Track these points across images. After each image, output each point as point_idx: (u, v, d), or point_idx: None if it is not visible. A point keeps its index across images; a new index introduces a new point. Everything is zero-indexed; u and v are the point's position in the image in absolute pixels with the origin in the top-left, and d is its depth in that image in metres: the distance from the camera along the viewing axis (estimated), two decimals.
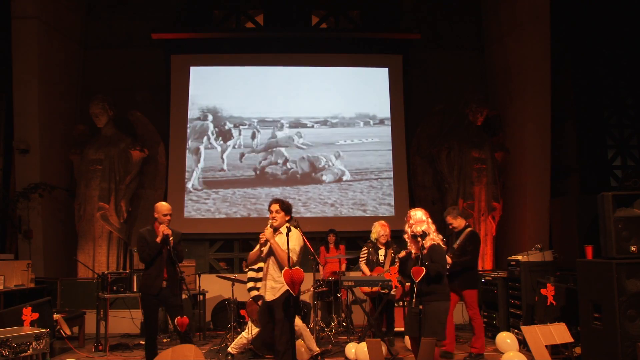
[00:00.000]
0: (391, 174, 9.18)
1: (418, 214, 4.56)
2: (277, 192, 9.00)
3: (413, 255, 4.51)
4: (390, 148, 9.23)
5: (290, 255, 4.43)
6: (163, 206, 5.24)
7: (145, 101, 9.35)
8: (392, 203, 9.08)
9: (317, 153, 9.17)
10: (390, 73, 9.45)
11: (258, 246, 4.60)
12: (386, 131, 9.30)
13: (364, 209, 9.06)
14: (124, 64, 9.44)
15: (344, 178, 9.12)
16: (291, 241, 4.46)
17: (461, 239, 5.82)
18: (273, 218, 4.59)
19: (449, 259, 5.63)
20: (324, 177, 9.10)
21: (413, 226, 4.50)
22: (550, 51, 8.50)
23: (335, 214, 8.97)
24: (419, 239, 4.42)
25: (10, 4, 8.11)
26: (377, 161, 9.21)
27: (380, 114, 9.36)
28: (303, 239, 4.78)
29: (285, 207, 4.64)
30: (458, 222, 5.93)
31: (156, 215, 5.22)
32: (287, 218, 4.65)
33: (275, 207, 4.60)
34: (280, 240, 4.54)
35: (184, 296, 5.57)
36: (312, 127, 9.26)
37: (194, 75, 9.33)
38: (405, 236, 4.58)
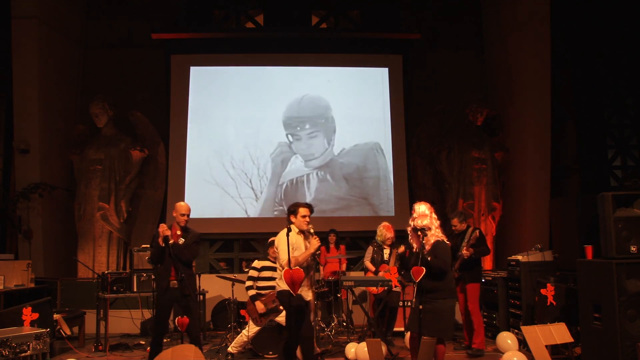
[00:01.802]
0: (391, 174, 9.17)
1: (422, 208, 4.54)
2: (280, 192, 9.00)
3: (414, 249, 4.48)
4: (390, 148, 9.23)
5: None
6: (182, 206, 5.26)
7: (145, 101, 9.35)
8: (393, 203, 9.07)
9: (318, 153, 9.16)
10: (390, 73, 9.44)
11: (309, 252, 4.60)
12: (386, 131, 9.29)
13: (365, 209, 9.05)
14: (124, 64, 9.44)
15: (347, 177, 9.11)
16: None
17: (468, 236, 5.97)
18: (309, 223, 4.69)
19: (466, 252, 5.83)
20: (327, 176, 9.09)
21: (416, 219, 4.49)
22: (550, 51, 8.50)
23: (336, 214, 8.97)
24: (419, 233, 4.40)
25: (10, 4, 8.11)
26: (379, 161, 9.20)
27: (380, 114, 9.35)
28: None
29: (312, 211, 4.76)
30: (461, 226, 6.17)
31: (174, 214, 5.27)
32: None
33: (308, 212, 4.70)
34: (315, 243, 4.67)
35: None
36: (311, 126, 9.25)
37: (194, 75, 9.33)
38: (408, 229, 4.57)
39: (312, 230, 4.64)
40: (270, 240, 6.17)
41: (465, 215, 6.40)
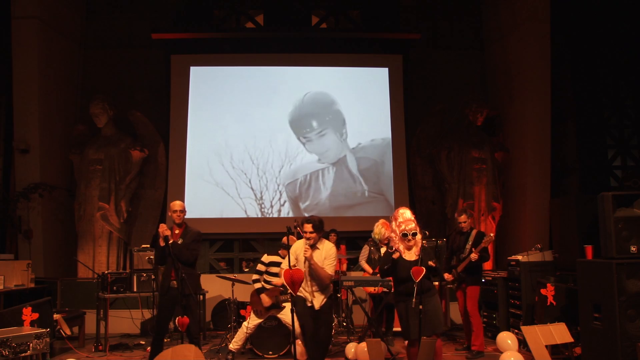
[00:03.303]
0: (391, 174, 9.17)
1: (407, 213, 4.58)
2: (278, 191, 9.01)
3: (402, 253, 4.50)
4: (391, 148, 9.23)
5: (329, 267, 4.65)
6: (174, 203, 5.30)
7: (145, 101, 9.35)
8: (392, 203, 9.07)
9: (317, 153, 9.17)
10: (390, 73, 9.44)
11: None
12: (386, 131, 9.29)
13: (364, 209, 9.05)
14: (124, 64, 9.44)
15: (345, 177, 9.11)
16: (328, 255, 4.65)
17: (473, 238, 5.96)
18: (308, 238, 4.62)
19: (475, 255, 5.78)
20: (325, 176, 9.09)
21: (402, 224, 4.50)
22: (550, 51, 8.51)
23: (335, 214, 8.96)
24: (410, 237, 4.43)
25: (10, 4, 8.11)
26: (377, 161, 9.20)
27: (380, 114, 9.34)
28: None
29: (318, 226, 4.64)
30: (468, 224, 6.12)
31: (169, 213, 5.32)
32: (321, 234, 4.70)
33: (309, 227, 4.60)
34: (317, 257, 4.63)
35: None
36: (311, 127, 9.25)
37: (194, 75, 9.33)
38: (393, 234, 4.57)
39: (305, 252, 4.56)
40: (283, 240, 6.14)
41: (471, 212, 6.41)
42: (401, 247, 4.50)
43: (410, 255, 4.49)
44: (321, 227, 4.68)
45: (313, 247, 4.66)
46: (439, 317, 4.46)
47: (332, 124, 9.25)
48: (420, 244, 4.51)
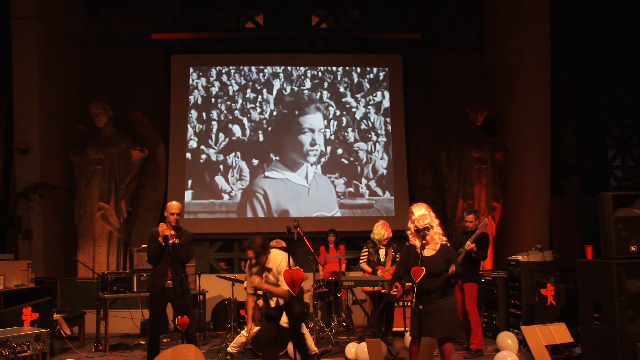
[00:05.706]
0: (391, 174, 9.17)
1: (421, 211, 4.52)
2: (279, 190, 9.01)
3: (418, 249, 4.46)
4: (390, 148, 9.23)
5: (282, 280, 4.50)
6: (172, 205, 5.22)
7: (145, 101, 9.36)
8: (393, 203, 9.08)
9: (317, 153, 9.17)
10: (390, 73, 9.45)
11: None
12: (386, 131, 9.29)
13: (364, 209, 9.05)
14: (124, 64, 9.45)
15: (345, 177, 9.11)
16: (280, 270, 4.52)
17: (473, 238, 5.96)
18: (253, 265, 4.56)
19: (470, 244, 5.81)
20: (326, 176, 9.09)
21: (416, 221, 4.47)
22: (550, 51, 8.51)
23: (335, 214, 8.97)
24: (422, 233, 4.40)
25: (10, 4, 8.11)
26: (378, 161, 9.20)
27: (380, 114, 9.35)
28: (304, 239, 4.79)
29: (260, 251, 4.52)
30: (474, 224, 6.13)
31: (165, 214, 5.25)
32: (268, 254, 4.59)
33: (250, 254, 4.51)
34: (272, 277, 4.57)
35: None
36: (310, 128, 9.26)
37: (194, 75, 9.33)
38: (408, 232, 4.55)
39: (253, 281, 4.57)
40: (271, 244, 6.13)
41: (479, 213, 6.41)
42: (417, 244, 4.46)
43: (429, 251, 4.46)
44: (264, 249, 4.55)
45: (263, 269, 4.57)
46: (452, 319, 4.38)
47: (319, 126, 9.26)
48: (436, 240, 4.46)
